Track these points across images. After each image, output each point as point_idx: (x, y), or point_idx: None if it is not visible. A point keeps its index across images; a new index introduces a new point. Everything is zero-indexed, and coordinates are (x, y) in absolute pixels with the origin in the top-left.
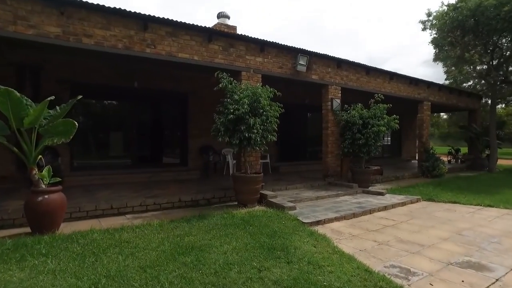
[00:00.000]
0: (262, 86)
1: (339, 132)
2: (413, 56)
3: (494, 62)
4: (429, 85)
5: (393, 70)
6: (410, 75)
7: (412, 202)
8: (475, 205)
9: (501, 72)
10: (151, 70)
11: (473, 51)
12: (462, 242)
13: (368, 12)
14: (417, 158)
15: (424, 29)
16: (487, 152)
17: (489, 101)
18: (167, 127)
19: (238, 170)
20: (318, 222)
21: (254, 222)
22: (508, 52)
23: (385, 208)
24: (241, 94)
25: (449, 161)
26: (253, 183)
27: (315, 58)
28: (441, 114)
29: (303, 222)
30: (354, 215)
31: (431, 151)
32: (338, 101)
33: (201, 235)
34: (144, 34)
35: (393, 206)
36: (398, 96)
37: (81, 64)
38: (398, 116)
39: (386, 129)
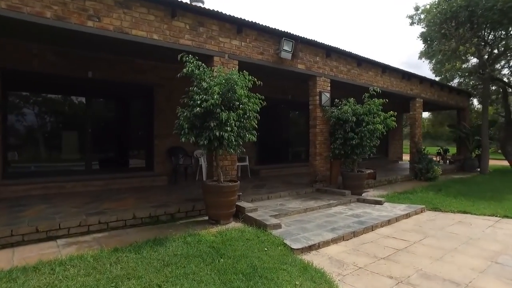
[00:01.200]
0: (239, 72)
1: (329, 130)
2: (393, 58)
3: (489, 56)
4: (421, 80)
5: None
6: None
7: (417, 213)
8: (489, 215)
9: (498, 66)
10: (109, 59)
11: (468, 43)
12: (509, 278)
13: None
14: (409, 159)
15: (412, 23)
16: (477, 152)
17: (475, 101)
18: (131, 125)
19: (210, 177)
20: (311, 247)
21: (226, 250)
22: (502, 47)
23: (388, 222)
24: (211, 82)
25: (437, 162)
26: (228, 194)
27: (302, 44)
28: (423, 113)
29: (291, 248)
30: (355, 234)
31: (424, 152)
32: (328, 95)
33: (149, 277)
34: (84, 2)
35: (397, 219)
36: (390, 92)
37: (17, 47)
38: (395, 113)
39: (383, 127)
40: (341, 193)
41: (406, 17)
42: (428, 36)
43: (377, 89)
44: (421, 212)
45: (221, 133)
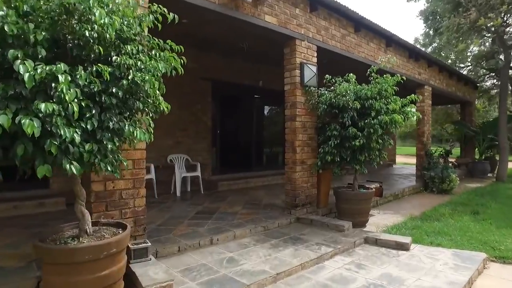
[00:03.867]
0: None
1: (316, 125)
2: None
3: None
4: (429, 63)
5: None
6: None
7: (479, 272)
8: None
9: None
10: None
11: (494, 12)
12: None
13: None
14: (403, 163)
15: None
16: (487, 154)
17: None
18: None
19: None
20: None
21: None
22: None
23: None
24: None
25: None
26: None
27: None
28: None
29: None
30: None
31: (434, 154)
32: (314, 69)
33: None
34: None
35: None
36: (395, 74)
37: None
38: (419, 97)
39: (403, 120)
40: (337, 227)
41: None
42: (433, 11)
43: (389, 63)
44: (484, 267)
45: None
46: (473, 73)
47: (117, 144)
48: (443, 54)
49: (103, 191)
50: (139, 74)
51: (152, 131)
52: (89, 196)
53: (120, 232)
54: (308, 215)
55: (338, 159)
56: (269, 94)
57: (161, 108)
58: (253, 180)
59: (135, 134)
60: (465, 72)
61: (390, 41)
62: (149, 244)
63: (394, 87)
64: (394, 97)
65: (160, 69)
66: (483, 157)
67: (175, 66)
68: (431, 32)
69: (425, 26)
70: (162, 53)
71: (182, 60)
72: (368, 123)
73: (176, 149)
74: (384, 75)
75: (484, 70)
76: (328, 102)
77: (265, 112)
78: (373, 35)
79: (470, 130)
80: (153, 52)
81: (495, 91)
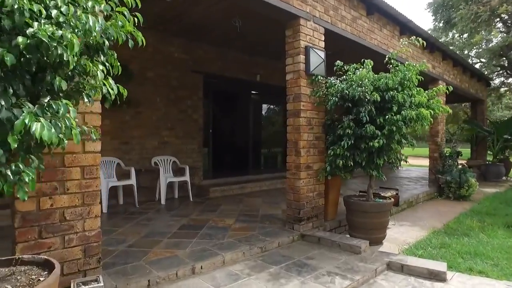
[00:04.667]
0: None
1: (323, 122)
2: None
3: None
4: (444, 55)
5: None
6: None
7: None
8: None
9: None
10: None
11: None
12: None
13: None
14: (428, 167)
15: None
16: (501, 156)
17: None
18: None
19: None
20: None
21: None
22: None
23: None
24: None
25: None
26: None
27: None
28: None
29: None
30: None
31: (449, 155)
32: (322, 55)
33: None
34: None
35: None
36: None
37: None
38: (449, 87)
39: (431, 115)
40: (352, 247)
41: None
42: (443, 2)
43: (405, 50)
44: None
45: None
46: (486, 69)
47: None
48: (452, 49)
49: (35, 211)
50: (51, 28)
51: (94, 129)
52: (13, 218)
53: (43, 278)
54: (315, 231)
55: (351, 163)
56: (268, 90)
57: (104, 91)
58: (249, 185)
59: (33, 129)
60: (483, 65)
61: (405, 28)
62: (101, 284)
63: (418, 77)
64: (418, 88)
65: (95, 28)
66: (497, 159)
67: (131, 32)
68: (440, 24)
69: (433, 20)
70: (103, 5)
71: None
72: (390, 120)
73: (161, 150)
74: (406, 62)
75: (496, 67)
76: (339, 94)
77: (264, 109)
78: (387, 21)
79: (482, 129)
80: (89, 4)
81: (505, 89)
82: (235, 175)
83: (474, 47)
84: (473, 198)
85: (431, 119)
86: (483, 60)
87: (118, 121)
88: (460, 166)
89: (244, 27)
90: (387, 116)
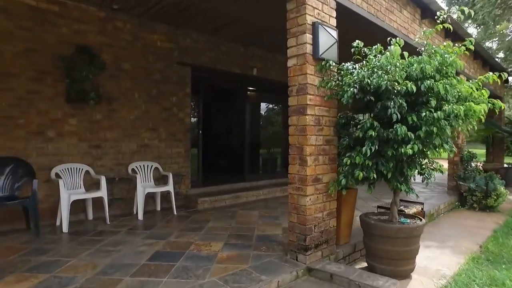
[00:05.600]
0: None
1: (336, 121)
2: None
3: None
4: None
5: None
6: None
7: None
8: None
9: None
10: None
11: None
12: None
13: None
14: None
15: None
16: None
17: None
18: None
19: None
20: None
21: None
22: None
23: None
24: None
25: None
26: None
27: None
28: None
29: None
30: None
31: (470, 158)
32: (334, 34)
33: None
34: None
35: None
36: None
37: None
38: (504, 74)
39: (484, 112)
40: None
41: None
42: None
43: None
44: None
45: None
46: (504, 63)
47: None
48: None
49: None
50: None
51: None
52: None
53: None
54: (325, 263)
55: (375, 176)
56: (267, 85)
57: None
58: (244, 194)
59: None
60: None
61: (427, 10)
62: None
63: (457, 60)
64: (459, 77)
65: None
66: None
67: None
68: (454, 16)
69: (446, 10)
70: None
71: None
72: (428, 118)
73: (141, 155)
74: (444, 43)
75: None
76: (358, 84)
77: (262, 107)
78: (407, 1)
79: (502, 130)
80: None
81: None
82: (229, 182)
83: (496, 38)
84: (501, 208)
85: (481, 117)
86: (501, 55)
87: (87, 120)
88: (481, 171)
89: (239, 10)
90: (424, 113)
